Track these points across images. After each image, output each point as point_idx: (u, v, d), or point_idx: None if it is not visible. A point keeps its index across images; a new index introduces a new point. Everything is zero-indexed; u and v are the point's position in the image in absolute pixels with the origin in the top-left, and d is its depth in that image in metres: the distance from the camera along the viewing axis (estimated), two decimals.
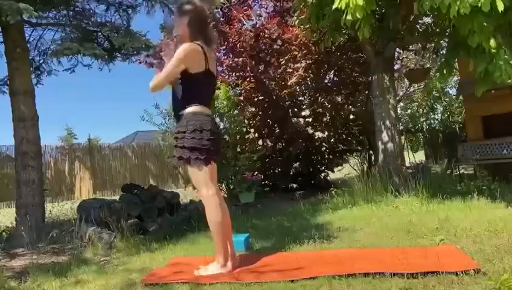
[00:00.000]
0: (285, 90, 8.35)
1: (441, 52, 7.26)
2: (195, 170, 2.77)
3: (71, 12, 5.71)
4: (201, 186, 2.81)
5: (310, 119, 8.56)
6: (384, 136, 6.21)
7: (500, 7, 3.93)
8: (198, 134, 2.70)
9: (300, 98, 9.07)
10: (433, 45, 7.59)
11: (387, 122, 6.22)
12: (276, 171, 8.97)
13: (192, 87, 2.77)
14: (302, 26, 6.69)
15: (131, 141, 22.32)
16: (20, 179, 4.83)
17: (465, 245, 2.95)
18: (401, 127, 10.47)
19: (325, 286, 2.37)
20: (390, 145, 6.17)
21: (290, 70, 8.21)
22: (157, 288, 2.60)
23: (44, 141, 5.18)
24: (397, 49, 8.04)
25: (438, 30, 6.10)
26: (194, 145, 2.71)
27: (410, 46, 9.26)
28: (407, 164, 8.34)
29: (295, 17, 6.88)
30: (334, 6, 4.83)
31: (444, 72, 5.48)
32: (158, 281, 2.66)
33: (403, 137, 11.19)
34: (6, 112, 5.08)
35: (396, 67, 10.14)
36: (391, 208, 4.77)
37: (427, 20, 7.03)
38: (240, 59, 8.50)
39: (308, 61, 8.24)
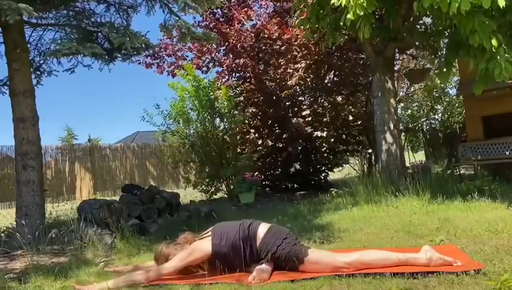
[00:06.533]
0: (285, 91, 8.35)
1: (441, 53, 7.27)
2: None
3: (71, 13, 5.71)
4: None
5: (310, 119, 8.56)
6: (385, 137, 6.21)
7: (501, 3, 3.93)
8: None
9: (301, 98, 9.08)
10: (433, 44, 7.59)
11: (388, 123, 6.21)
12: (277, 171, 8.97)
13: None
14: (302, 27, 6.69)
15: (132, 141, 22.35)
16: (20, 180, 4.82)
17: (465, 245, 2.95)
18: (401, 127, 10.46)
19: (325, 286, 2.37)
20: (390, 145, 6.17)
21: (290, 70, 8.20)
22: (157, 289, 2.60)
23: (44, 141, 5.17)
24: (396, 50, 8.03)
25: (438, 30, 6.10)
26: None
27: (408, 51, 9.28)
28: (407, 164, 8.34)
29: (295, 18, 6.88)
30: (332, 1, 4.85)
31: (445, 71, 5.49)
32: (158, 282, 2.66)
33: (403, 137, 11.20)
34: (7, 112, 5.08)
35: (396, 67, 10.14)
36: (391, 208, 4.76)
37: (427, 20, 7.03)
38: (241, 60, 8.50)
39: (308, 62, 8.24)
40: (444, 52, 6.47)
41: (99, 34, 5.63)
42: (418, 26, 6.75)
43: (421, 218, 4.02)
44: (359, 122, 9.14)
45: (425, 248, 2.55)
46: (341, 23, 5.21)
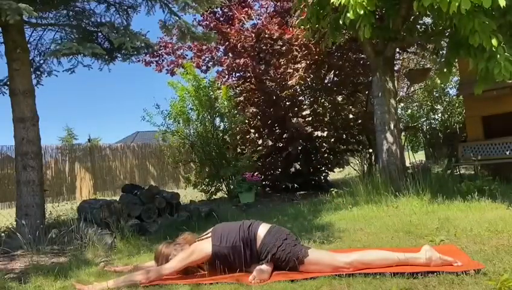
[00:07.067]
0: (285, 91, 8.35)
1: (441, 53, 7.27)
2: None
3: (71, 13, 5.70)
4: None
5: (310, 119, 8.56)
6: (385, 136, 6.21)
7: (502, 3, 3.93)
8: None
9: (301, 98, 9.08)
10: (433, 45, 7.60)
11: (388, 123, 6.21)
12: (277, 171, 8.97)
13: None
14: (302, 27, 6.70)
15: (132, 141, 22.36)
16: (20, 179, 4.83)
17: (465, 245, 2.95)
18: (401, 127, 10.45)
19: (325, 286, 2.36)
20: (390, 145, 6.17)
21: (291, 70, 8.20)
22: (157, 288, 2.60)
23: (44, 141, 5.18)
24: (396, 50, 8.03)
25: (438, 30, 6.11)
26: None
27: (409, 48, 9.27)
28: (407, 164, 8.34)
29: (295, 18, 6.88)
30: (332, 0, 4.86)
31: (445, 71, 5.49)
32: (158, 282, 2.66)
33: (403, 137, 11.19)
34: (7, 112, 5.08)
35: (396, 67, 10.14)
36: (391, 208, 4.77)
37: (427, 20, 7.03)
38: (241, 60, 8.50)
39: (308, 62, 8.24)
40: (445, 52, 6.47)
41: (99, 34, 5.63)
42: (418, 26, 6.75)
43: (421, 218, 4.02)
44: (359, 122, 9.14)
45: (425, 248, 2.55)
46: (341, 22, 5.21)
